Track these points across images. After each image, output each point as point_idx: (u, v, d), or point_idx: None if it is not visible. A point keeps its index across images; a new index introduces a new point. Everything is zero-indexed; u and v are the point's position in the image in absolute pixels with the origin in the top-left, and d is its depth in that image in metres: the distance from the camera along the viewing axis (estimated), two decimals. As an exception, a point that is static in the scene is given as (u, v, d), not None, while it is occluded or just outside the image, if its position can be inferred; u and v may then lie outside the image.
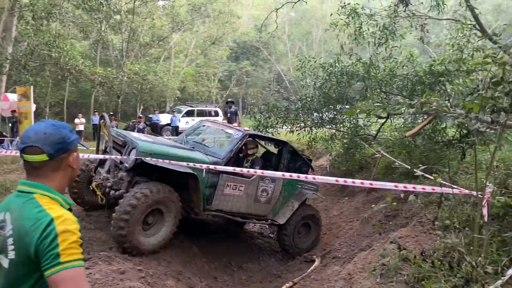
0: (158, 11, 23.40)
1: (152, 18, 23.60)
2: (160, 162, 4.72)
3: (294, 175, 4.96)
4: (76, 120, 19.74)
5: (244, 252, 6.64)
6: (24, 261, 1.32)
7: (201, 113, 23.90)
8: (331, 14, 7.97)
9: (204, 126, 6.94)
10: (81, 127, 19.65)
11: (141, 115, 14.88)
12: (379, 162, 7.84)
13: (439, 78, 7.64)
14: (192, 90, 28.51)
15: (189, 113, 23.50)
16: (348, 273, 4.97)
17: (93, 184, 5.15)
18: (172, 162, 4.79)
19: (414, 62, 8.17)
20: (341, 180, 4.76)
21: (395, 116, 8.34)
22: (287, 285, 5.52)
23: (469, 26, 6.14)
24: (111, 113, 13.61)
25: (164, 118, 22.13)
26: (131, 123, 14.33)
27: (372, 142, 8.84)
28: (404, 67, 8.18)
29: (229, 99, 13.45)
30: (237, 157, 6.31)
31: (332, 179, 5.20)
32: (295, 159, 6.51)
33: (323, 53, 37.18)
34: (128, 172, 4.80)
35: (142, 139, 5.37)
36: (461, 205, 4.82)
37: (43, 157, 1.41)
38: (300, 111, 8.29)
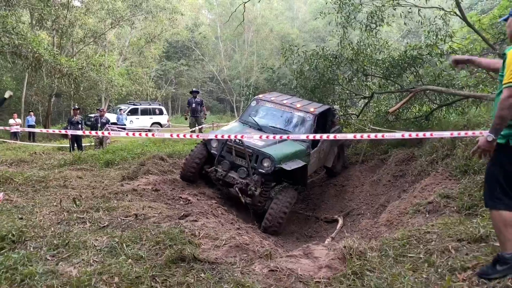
0: (95, 6, 22.14)
1: (85, 14, 22.26)
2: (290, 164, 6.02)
3: (339, 136, 5.69)
4: (11, 121, 17.95)
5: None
6: None
7: (145, 112, 23.22)
8: (327, 3, 8.75)
9: (265, 106, 7.40)
10: (17, 128, 17.89)
11: (103, 109, 14.11)
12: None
13: (412, 62, 8.85)
14: (129, 89, 27.43)
15: (133, 112, 22.66)
16: (387, 220, 5.70)
17: (236, 188, 6.07)
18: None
19: (390, 48, 9.33)
20: (372, 135, 5.40)
21: (378, 96, 9.39)
22: (328, 240, 6.08)
23: (452, 13, 7.37)
24: (76, 106, 12.71)
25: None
26: (93, 118, 13.55)
27: (354, 120, 9.82)
28: (381, 53, 9.29)
29: (194, 89, 13.28)
30: None
31: (349, 135, 6.06)
32: (333, 117, 8.26)
33: (255, 55, 38.44)
34: (261, 175, 6.02)
35: (268, 148, 6.16)
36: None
37: None
38: (298, 89, 8.95)
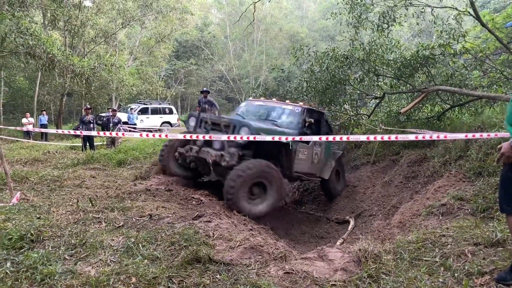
0: (106, 6, 22.34)
1: (96, 14, 22.48)
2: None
3: (352, 137, 5.62)
4: (24, 120, 18.25)
5: (281, 220, 7.05)
6: None
7: (155, 111, 23.35)
8: (338, 3, 8.73)
9: (255, 104, 7.42)
10: (30, 127, 18.16)
11: (115, 108, 14.26)
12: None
13: (424, 62, 8.76)
14: (139, 88, 27.64)
15: (143, 111, 22.82)
16: (399, 222, 5.67)
17: (210, 160, 5.73)
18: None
19: (401, 48, 9.26)
20: (385, 137, 5.37)
21: (390, 96, 9.33)
22: (339, 241, 6.08)
23: (466, 13, 7.30)
24: (88, 106, 12.87)
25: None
26: (104, 118, 13.71)
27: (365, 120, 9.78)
28: (392, 53, 9.23)
29: (204, 89, 13.28)
30: None
31: (362, 137, 5.97)
32: (329, 126, 7.68)
33: (264, 54, 38.45)
34: (238, 147, 5.67)
35: (249, 120, 6.06)
36: (489, 154, 5.78)
37: None
38: (308, 91, 8.94)
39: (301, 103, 7.22)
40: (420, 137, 4.41)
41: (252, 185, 5.46)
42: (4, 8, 9.58)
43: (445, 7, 7.87)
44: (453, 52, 8.33)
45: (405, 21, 8.48)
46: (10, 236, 3.34)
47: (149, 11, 23.44)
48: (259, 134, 5.46)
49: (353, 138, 5.93)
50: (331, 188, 7.81)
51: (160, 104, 24.46)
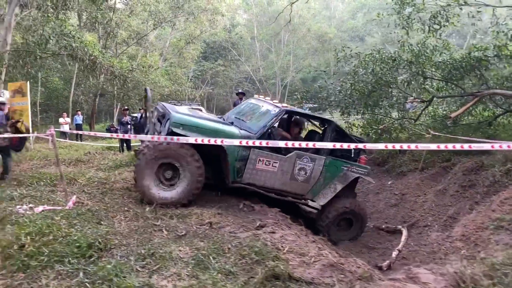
0: (138, 8, 22.67)
1: (128, 16, 22.82)
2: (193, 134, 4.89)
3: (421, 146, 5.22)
4: (61, 120, 18.60)
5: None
6: None
7: (185, 112, 23.51)
8: (387, 3, 8.43)
9: (249, 103, 6.72)
10: (66, 127, 18.53)
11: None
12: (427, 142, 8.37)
13: (477, 64, 8.32)
14: (169, 89, 27.92)
15: (174, 112, 22.98)
16: (461, 235, 5.35)
17: (134, 151, 5.45)
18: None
19: (451, 49, 8.85)
20: (457, 146, 4.87)
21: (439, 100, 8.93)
22: (395, 253, 5.79)
23: (530, 12, 6.88)
24: (126, 107, 13.01)
25: (148, 117, 21.45)
26: (139, 119, 13.78)
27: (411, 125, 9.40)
28: (441, 54, 8.82)
29: (240, 90, 13.03)
30: (282, 138, 5.88)
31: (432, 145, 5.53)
32: (342, 140, 5.81)
33: (291, 55, 38.17)
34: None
35: (178, 111, 5.45)
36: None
37: None
38: (353, 94, 8.68)
39: (284, 105, 6.04)
40: (496, 146, 4.08)
41: (160, 167, 4.96)
42: (48, 10, 9.81)
43: (508, 6, 7.43)
44: (509, 53, 7.88)
45: (458, 21, 8.07)
46: (78, 244, 3.26)
47: (180, 13, 23.61)
48: (176, 128, 4.93)
49: (422, 147, 5.37)
50: (323, 224, 6.00)
51: (190, 105, 24.57)
